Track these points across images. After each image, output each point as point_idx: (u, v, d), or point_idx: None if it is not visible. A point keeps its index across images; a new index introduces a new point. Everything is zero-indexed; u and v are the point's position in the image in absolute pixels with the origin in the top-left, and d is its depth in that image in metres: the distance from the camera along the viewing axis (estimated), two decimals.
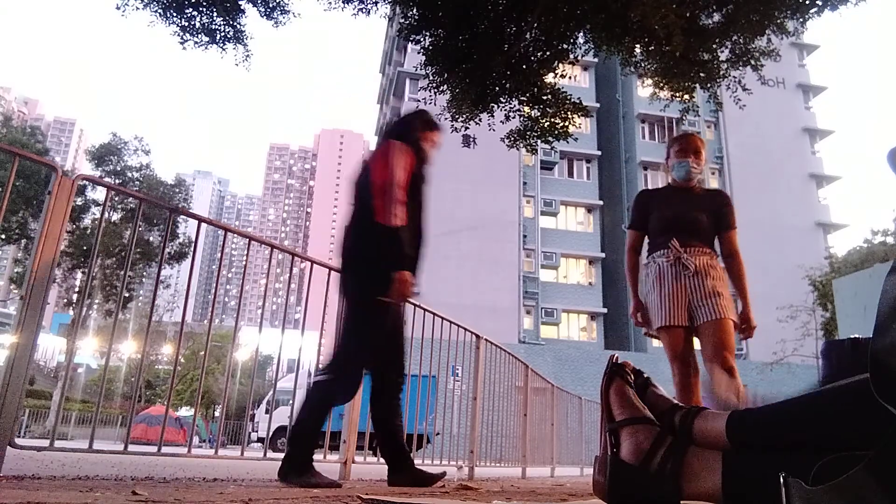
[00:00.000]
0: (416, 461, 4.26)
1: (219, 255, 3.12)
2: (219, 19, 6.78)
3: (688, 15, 6.21)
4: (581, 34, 7.10)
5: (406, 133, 2.66)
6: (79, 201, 21.64)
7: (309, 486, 2.07)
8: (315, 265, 3.22)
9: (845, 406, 0.86)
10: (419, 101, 9.31)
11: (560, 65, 7.24)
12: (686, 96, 7.41)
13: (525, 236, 28.55)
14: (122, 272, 19.14)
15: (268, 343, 25.66)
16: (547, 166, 30.12)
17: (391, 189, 2.39)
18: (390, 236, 2.35)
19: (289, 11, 7.04)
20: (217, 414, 32.34)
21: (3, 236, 22.65)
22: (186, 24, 6.70)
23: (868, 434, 0.74)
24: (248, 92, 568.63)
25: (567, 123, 7.42)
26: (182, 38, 6.76)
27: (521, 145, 7.67)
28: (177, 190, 25.68)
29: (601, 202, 30.57)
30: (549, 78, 7.30)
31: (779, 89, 31.46)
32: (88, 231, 23.43)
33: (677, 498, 0.96)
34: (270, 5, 6.95)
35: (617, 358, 1.17)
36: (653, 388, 1.14)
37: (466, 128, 7.36)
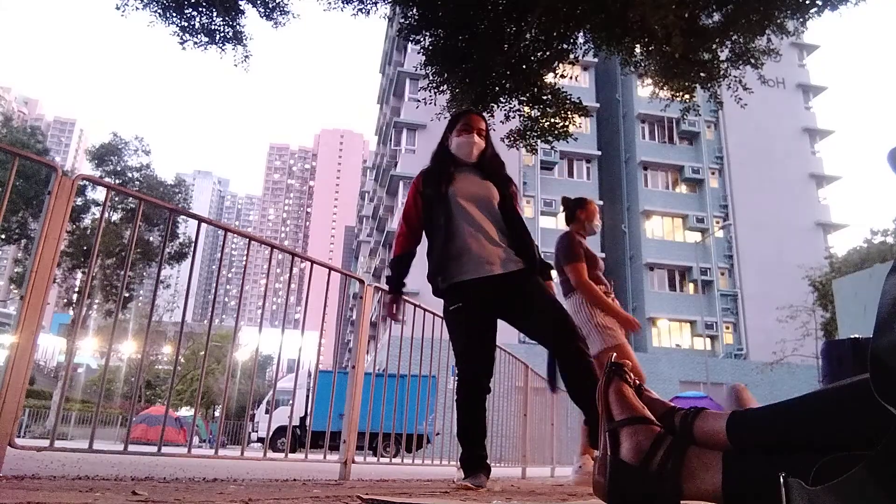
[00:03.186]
0: (415, 461, 4.27)
1: (219, 255, 3.12)
2: (218, 19, 6.79)
3: (687, 15, 6.21)
4: (581, 34, 7.10)
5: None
6: (79, 201, 21.64)
7: (475, 484, 2.43)
8: (315, 265, 3.22)
9: (845, 406, 0.86)
10: (419, 101, 9.30)
11: (560, 65, 7.24)
12: (686, 96, 7.42)
13: None
14: (122, 272, 19.12)
15: (268, 343, 25.62)
16: (547, 166, 30.14)
17: None
18: None
19: (289, 12, 7.05)
20: (217, 414, 32.34)
21: (3, 236, 22.65)
22: (186, 24, 6.71)
23: (868, 434, 0.74)
24: (248, 92, 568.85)
25: (567, 123, 7.42)
26: (182, 39, 6.77)
27: (521, 145, 7.66)
28: (177, 190, 25.66)
29: (601, 202, 30.54)
30: (549, 78, 7.30)
31: (779, 89, 31.46)
32: (88, 231, 23.43)
33: (677, 498, 0.96)
34: (270, 6, 6.96)
35: (616, 358, 1.17)
36: (647, 393, 1.14)
37: None
